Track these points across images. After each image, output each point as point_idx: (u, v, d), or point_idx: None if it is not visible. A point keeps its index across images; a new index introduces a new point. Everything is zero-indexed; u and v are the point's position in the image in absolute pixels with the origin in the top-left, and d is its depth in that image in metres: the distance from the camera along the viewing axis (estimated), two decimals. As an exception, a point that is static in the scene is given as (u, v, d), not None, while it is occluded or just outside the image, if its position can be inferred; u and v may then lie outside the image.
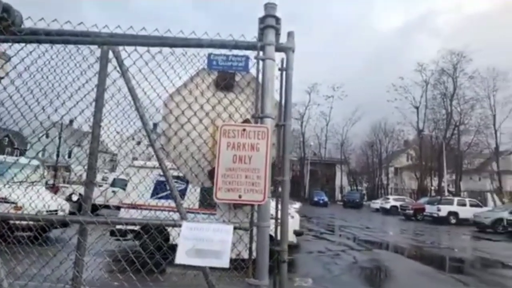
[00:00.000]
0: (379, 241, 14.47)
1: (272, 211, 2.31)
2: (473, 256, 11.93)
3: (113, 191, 17.90)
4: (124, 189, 16.72)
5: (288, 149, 2.39)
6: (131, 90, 2.36)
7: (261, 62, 2.30)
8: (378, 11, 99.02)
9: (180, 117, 2.37)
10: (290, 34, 2.48)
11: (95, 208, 2.47)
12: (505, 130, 43.84)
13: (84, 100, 2.31)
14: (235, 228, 2.10)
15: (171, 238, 7.53)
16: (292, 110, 2.48)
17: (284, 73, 2.44)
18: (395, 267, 9.39)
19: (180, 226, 2.06)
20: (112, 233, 7.96)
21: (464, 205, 25.46)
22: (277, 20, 2.35)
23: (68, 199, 15.83)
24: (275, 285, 2.27)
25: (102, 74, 2.37)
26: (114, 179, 18.17)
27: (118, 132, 2.69)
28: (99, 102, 2.36)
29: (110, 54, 2.47)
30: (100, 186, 19.16)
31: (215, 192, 2.12)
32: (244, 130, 2.19)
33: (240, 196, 2.13)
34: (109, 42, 2.24)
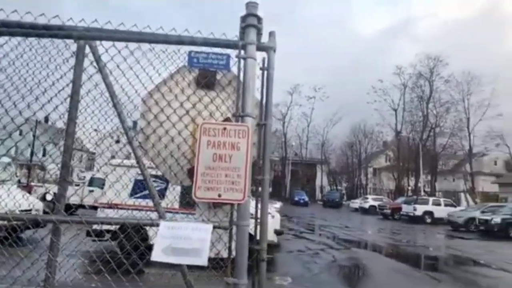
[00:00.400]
0: (357, 240, 14.72)
1: (252, 210, 2.31)
2: (447, 254, 12.31)
3: (90, 191, 17.47)
4: (101, 188, 16.35)
5: (268, 148, 2.39)
6: (108, 86, 2.30)
7: (242, 61, 2.28)
8: (360, 14, 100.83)
9: (159, 115, 2.33)
10: (271, 34, 2.48)
11: (69, 208, 2.39)
12: (478, 133, 45.54)
13: (58, 96, 2.23)
14: (214, 227, 2.08)
15: (149, 238, 7.42)
16: (273, 110, 2.48)
17: (265, 72, 2.43)
18: (372, 265, 9.57)
19: (158, 225, 2.03)
20: (88, 234, 7.76)
21: (439, 204, 26.25)
22: (259, 19, 2.35)
23: (42, 198, 15.33)
24: (254, 284, 2.26)
25: (78, 69, 2.30)
26: (91, 178, 17.72)
27: (95, 130, 2.62)
28: (74, 98, 2.28)
29: (87, 49, 2.40)
30: (77, 185, 18.65)
31: (194, 191, 2.09)
32: (224, 128, 2.17)
33: (219, 195, 2.11)
34: (86, 36, 2.18)
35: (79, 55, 2.31)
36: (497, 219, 18.09)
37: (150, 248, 2.25)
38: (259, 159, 2.37)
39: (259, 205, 2.33)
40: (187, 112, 2.37)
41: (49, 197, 15.64)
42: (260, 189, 2.37)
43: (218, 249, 2.22)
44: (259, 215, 2.31)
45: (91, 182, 18.16)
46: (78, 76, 2.29)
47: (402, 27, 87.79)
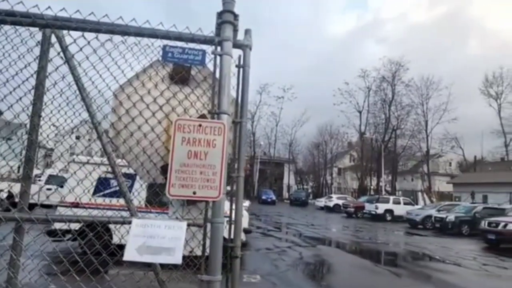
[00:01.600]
0: (323, 238, 15.08)
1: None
2: (406, 250, 12.90)
3: (48, 189, 16.62)
4: (60, 187, 15.57)
5: (243, 146, 2.39)
6: (76, 78, 2.20)
7: (218, 57, 2.27)
8: (328, 15, 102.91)
9: (131, 110, 2.25)
10: (247, 32, 2.48)
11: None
12: (435, 135, 48.22)
13: (22, 87, 2.10)
14: (188, 225, 2.05)
15: (114, 237, 7.19)
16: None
17: (241, 70, 2.43)
18: (337, 262, 9.85)
19: (129, 223, 1.97)
20: (49, 233, 7.38)
21: (399, 203, 27.44)
22: (235, 16, 2.33)
23: (-4, 197, 14.37)
24: (227, 281, 2.25)
25: (43, 60, 2.18)
26: (50, 176, 16.83)
27: (54, 125, 2.48)
28: (39, 89, 2.16)
29: (53, 39, 2.27)
30: (33, 183, 17.67)
31: (168, 188, 2.05)
32: (200, 125, 2.15)
33: (194, 193, 2.08)
34: (53, 25, 2.06)
35: (44, 45, 2.19)
36: (451, 217, 19.21)
37: (119, 247, 2.19)
38: (234, 157, 2.37)
39: (233, 203, 2.32)
40: (161, 107, 2.32)
41: (4, 195, 14.68)
42: (234, 187, 2.36)
43: (191, 246, 2.18)
44: (233, 213, 2.31)
45: (49, 181, 17.28)
46: (43, 67, 2.17)
47: (369, 29, 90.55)
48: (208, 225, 2.12)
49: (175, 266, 1.94)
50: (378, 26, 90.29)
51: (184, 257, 2.00)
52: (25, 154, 2.06)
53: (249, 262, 8.78)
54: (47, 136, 2.30)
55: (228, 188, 2.33)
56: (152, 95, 2.30)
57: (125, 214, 2.36)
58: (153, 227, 1.98)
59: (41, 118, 2.14)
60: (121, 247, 2.06)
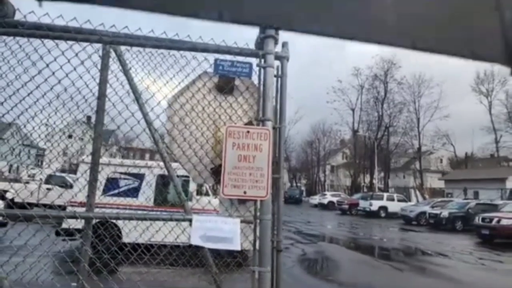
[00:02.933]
0: (321, 235, 15.42)
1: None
2: (402, 246, 13.30)
3: (48, 189, 16.62)
4: (61, 187, 15.59)
5: (283, 149, 2.62)
6: (134, 89, 2.41)
7: (262, 70, 2.50)
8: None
9: (184, 118, 2.48)
10: (284, 45, 2.71)
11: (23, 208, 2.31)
12: (427, 132, 49.07)
13: (87, 98, 2.31)
14: (241, 222, 2.28)
15: (122, 236, 7.38)
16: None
17: (279, 79, 2.66)
18: (338, 258, 10.18)
19: (190, 220, 2.20)
20: (58, 233, 7.53)
21: (393, 200, 27.97)
22: (276, 30, 2.57)
23: (1, 197, 14.36)
24: (272, 271, 2.50)
25: (105, 73, 2.39)
26: (50, 175, 16.79)
27: (46, 124, 2.65)
28: (101, 100, 2.37)
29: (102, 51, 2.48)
30: (27, 183, 17.61)
31: (222, 189, 2.28)
32: (248, 131, 2.38)
33: (245, 192, 2.32)
34: (117, 42, 2.27)
35: (105, 59, 2.40)
36: (445, 213, 19.74)
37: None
38: (275, 160, 2.60)
39: (275, 202, 2.56)
40: (209, 115, 2.54)
41: (9, 195, 14.67)
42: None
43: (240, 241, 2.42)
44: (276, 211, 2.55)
45: (49, 180, 17.26)
46: (105, 79, 2.38)
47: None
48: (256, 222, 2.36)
49: (221, 258, 2.18)
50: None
51: (233, 251, 2.23)
52: (91, 159, 2.27)
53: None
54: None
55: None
56: (201, 104, 2.53)
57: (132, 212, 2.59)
58: (211, 222, 2.22)
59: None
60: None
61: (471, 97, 61.09)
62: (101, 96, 2.35)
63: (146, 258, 2.56)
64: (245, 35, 2.77)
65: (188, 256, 3.02)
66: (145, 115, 2.39)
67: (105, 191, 8.44)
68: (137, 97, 2.39)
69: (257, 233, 2.34)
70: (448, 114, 46.83)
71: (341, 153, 64.84)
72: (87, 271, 2.27)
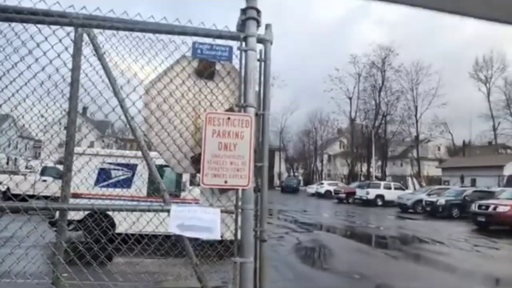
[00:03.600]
0: (317, 223, 15.44)
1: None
2: (398, 234, 13.34)
3: (43, 180, 16.54)
4: (56, 178, 15.51)
5: (267, 137, 2.53)
6: (109, 75, 2.30)
7: (243, 53, 2.38)
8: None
9: (161, 104, 2.37)
10: (268, 27, 2.59)
11: (22, 199, 2.23)
12: (425, 120, 48.96)
13: (59, 84, 2.19)
14: (221, 211, 2.20)
15: (115, 226, 7.33)
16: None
17: (263, 64, 2.55)
18: (334, 246, 10.19)
19: (167, 211, 2.11)
20: (52, 224, 7.47)
21: (390, 188, 28.05)
22: (258, 12, 2.44)
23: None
24: (256, 261, 2.43)
25: (77, 58, 2.27)
26: (45, 167, 16.71)
27: (42, 116, 2.56)
28: (74, 86, 2.26)
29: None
30: (24, 175, 17.55)
31: (201, 178, 2.19)
32: (229, 118, 2.28)
33: (226, 182, 2.23)
34: (89, 25, 2.15)
35: (78, 43, 2.28)
36: (441, 200, 19.78)
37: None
38: (258, 148, 2.51)
39: (259, 191, 2.48)
40: (188, 102, 2.44)
41: (2, 188, 14.58)
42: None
43: (222, 232, 2.34)
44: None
45: (44, 172, 17.18)
46: (78, 65, 2.26)
47: (361, 12, 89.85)
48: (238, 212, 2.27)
49: (203, 249, 2.11)
50: (369, 10, 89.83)
51: (213, 242, 2.16)
52: (65, 148, 2.17)
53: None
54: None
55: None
56: (180, 90, 2.42)
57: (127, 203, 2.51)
58: (191, 212, 2.13)
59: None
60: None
61: (469, 85, 60.77)
62: (74, 82, 2.24)
63: (137, 249, 2.49)
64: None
65: (180, 247, 2.94)
66: (120, 102, 2.29)
67: (97, 182, 8.36)
68: (112, 83, 2.28)
69: (239, 223, 2.27)
70: (446, 102, 46.72)
71: (338, 142, 64.85)
72: (62, 263, 2.19)
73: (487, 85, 48.16)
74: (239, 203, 2.28)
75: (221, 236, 2.40)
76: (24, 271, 2.51)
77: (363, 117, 50.64)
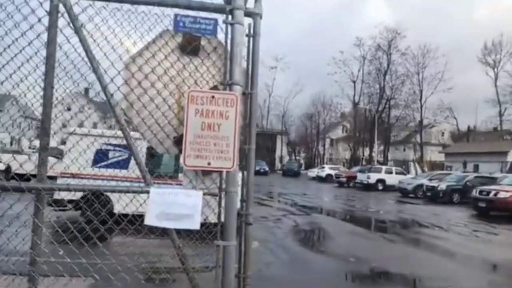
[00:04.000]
0: (316, 206, 15.46)
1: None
2: (398, 218, 13.34)
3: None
4: (57, 158, 15.55)
5: (254, 118, 2.42)
6: (86, 49, 2.17)
7: (229, 27, 2.24)
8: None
9: (143, 81, 2.25)
10: (257, 0, 2.44)
11: (22, 178, 2.19)
12: (430, 105, 48.39)
13: (34, 59, 2.07)
14: (204, 194, 2.11)
15: (113, 206, 7.33)
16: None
17: (251, 39, 2.41)
18: (331, 229, 10.19)
19: (147, 192, 2.03)
20: (49, 204, 7.48)
21: (391, 173, 27.96)
22: (246, -16, 2.29)
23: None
24: (240, 245, 2.36)
25: (53, 30, 2.14)
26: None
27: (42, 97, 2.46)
28: (49, 61, 2.14)
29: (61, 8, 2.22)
30: (28, 155, 17.62)
31: (183, 159, 2.09)
32: (213, 97, 2.16)
33: (209, 163, 2.13)
34: (62, -7, 2.01)
35: (53, 15, 2.14)
36: (442, 185, 19.70)
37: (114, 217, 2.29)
38: (245, 129, 2.40)
39: (245, 173, 2.39)
40: (172, 79, 2.32)
41: (2, 167, 14.64)
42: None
43: (206, 214, 2.26)
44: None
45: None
46: (53, 38, 2.13)
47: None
48: (222, 194, 2.19)
49: (189, 233, 2.03)
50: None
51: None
52: (40, 126, 2.08)
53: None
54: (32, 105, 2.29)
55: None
56: (162, 66, 2.29)
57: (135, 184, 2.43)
58: (171, 195, 2.04)
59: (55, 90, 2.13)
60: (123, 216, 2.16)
61: (477, 69, 59.91)
62: (50, 57, 2.12)
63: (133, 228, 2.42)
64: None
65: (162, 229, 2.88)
66: (99, 78, 2.17)
67: (94, 163, 8.33)
68: (90, 58, 2.15)
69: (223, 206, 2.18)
70: (452, 86, 46.05)
71: (341, 126, 64.48)
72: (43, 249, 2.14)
73: (495, 69, 47.33)
74: (223, 186, 2.20)
75: (205, 219, 2.33)
76: (16, 250, 2.47)
77: (366, 101, 50.15)
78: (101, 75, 2.19)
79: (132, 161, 8.62)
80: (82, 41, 2.18)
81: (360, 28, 68.96)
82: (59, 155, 16.63)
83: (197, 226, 1.98)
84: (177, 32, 2.24)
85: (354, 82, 51.64)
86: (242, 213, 2.34)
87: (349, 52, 50.42)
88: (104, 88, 2.17)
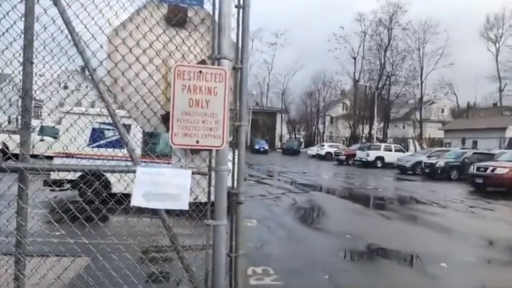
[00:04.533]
0: (315, 184, 15.54)
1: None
2: (395, 195, 13.43)
3: (41, 140, 16.54)
4: (54, 138, 15.50)
5: (245, 94, 2.33)
6: (66, 22, 2.06)
7: (217, -3, 2.12)
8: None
9: (127, 56, 2.15)
10: (247, -32, 2.30)
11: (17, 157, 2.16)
12: (430, 81, 48.04)
13: (10, 32, 1.96)
14: (193, 173, 2.06)
15: (111, 185, 7.32)
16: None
17: (241, 10, 2.29)
18: (329, 206, 10.26)
19: (134, 172, 1.97)
20: (46, 184, 7.46)
21: (390, 150, 28.01)
22: (235, -51, 2.15)
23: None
24: (232, 224, 2.33)
25: (30, 2, 2.02)
26: (42, 127, 16.66)
27: (41, 75, 2.37)
28: (28, 34, 2.02)
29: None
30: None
31: (171, 137, 2.02)
32: (200, 72, 2.06)
33: (197, 142, 2.06)
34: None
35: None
36: (441, 162, 19.74)
37: (113, 196, 2.24)
38: (235, 105, 2.32)
39: (235, 152, 2.32)
40: (158, 53, 2.21)
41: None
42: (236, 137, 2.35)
43: (196, 194, 2.21)
44: (236, 161, 2.31)
45: (41, 131, 17.16)
46: (31, 10, 2.01)
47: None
48: (212, 173, 2.13)
49: (181, 212, 1.99)
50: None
51: (189, 204, 2.04)
52: (21, 104, 1.99)
53: (245, 208, 9.04)
54: (35, 83, 2.21)
55: (230, 138, 2.32)
56: (148, 40, 2.18)
57: (123, 163, 2.37)
58: (158, 175, 1.98)
59: (35, 65, 2.03)
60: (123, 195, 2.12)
61: (478, 45, 58.87)
62: (28, 30, 2.01)
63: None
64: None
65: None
66: (81, 53, 2.06)
67: (90, 142, 8.27)
68: (71, 30, 2.04)
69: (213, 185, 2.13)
70: (452, 62, 45.53)
71: (341, 104, 64.15)
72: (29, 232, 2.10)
73: (497, 44, 46.68)
74: (213, 164, 2.14)
75: (195, 199, 2.28)
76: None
77: (367, 78, 49.65)
78: (82, 49, 2.08)
79: (128, 140, 8.54)
80: (62, 13, 2.06)
81: (362, 2, 67.23)
82: (56, 134, 16.62)
83: (185, 206, 1.94)
84: (161, 3, 2.12)
85: (354, 58, 51.01)
86: (233, 191, 2.29)
87: (350, 28, 49.56)
88: (86, 63, 2.06)
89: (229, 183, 2.29)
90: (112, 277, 2.33)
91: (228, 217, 2.25)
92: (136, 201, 1.89)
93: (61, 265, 2.32)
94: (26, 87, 2.01)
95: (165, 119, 2.20)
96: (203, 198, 2.20)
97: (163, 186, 1.94)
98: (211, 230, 2.09)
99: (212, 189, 2.13)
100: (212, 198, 2.13)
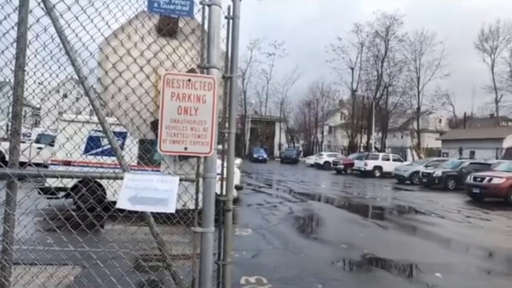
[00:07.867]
0: (312, 193, 15.52)
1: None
2: (393, 205, 13.41)
3: (38, 148, 16.54)
4: (51, 146, 15.51)
5: (234, 102, 2.36)
6: (59, 31, 2.10)
7: (206, 8, 2.17)
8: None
9: (118, 64, 2.18)
10: (237, -20, 2.36)
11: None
12: (427, 92, 48.35)
13: (3, 40, 2.00)
14: (181, 180, 2.08)
15: (108, 194, 7.32)
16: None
17: (230, 21, 2.34)
18: (326, 216, 10.24)
19: (121, 178, 1.99)
20: (43, 191, 7.44)
21: (388, 160, 28.05)
22: (224, -37, 2.21)
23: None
24: (220, 232, 2.34)
25: (23, 10, 2.06)
26: (39, 135, 16.67)
27: (40, 83, 2.41)
28: (21, 42, 2.06)
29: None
30: (22, 142, 17.58)
31: (159, 144, 2.05)
32: (189, 80, 2.10)
33: (186, 148, 2.09)
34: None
35: (23, -6, 2.06)
36: (438, 172, 19.78)
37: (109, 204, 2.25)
38: (225, 114, 2.35)
39: (225, 157, 2.35)
40: (148, 61, 2.25)
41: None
42: (225, 145, 2.37)
43: (184, 200, 2.23)
44: (225, 167, 2.34)
45: (39, 139, 17.17)
46: (24, 18, 2.06)
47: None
48: (200, 180, 2.15)
49: (168, 219, 2.00)
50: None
51: (177, 211, 2.05)
52: (12, 110, 2.02)
53: (241, 217, 9.07)
54: (33, 91, 2.24)
55: (220, 146, 2.35)
56: (139, 49, 2.22)
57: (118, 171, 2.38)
58: (146, 181, 2.01)
59: (26, 73, 2.06)
60: (115, 203, 2.13)
61: (474, 56, 59.46)
62: (20, 38, 2.05)
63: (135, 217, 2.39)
64: None
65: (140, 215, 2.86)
66: (73, 61, 2.10)
67: (86, 150, 8.27)
68: (63, 40, 2.08)
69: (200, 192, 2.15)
70: (449, 73, 45.92)
71: (339, 113, 64.35)
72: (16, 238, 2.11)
73: (492, 56, 47.04)
74: (201, 171, 2.16)
75: (183, 205, 2.30)
76: (17, 239, 2.45)
77: (364, 88, 49.93)
78: (75, 58, 2.12)
79: (125, 148, 8.55)
80: (55, 22, 2.10)
81: (359, 15, 68.11)
82: (54, 142, 16.63)
83: (172, 210, 1.95)
84: (151, 13, 2.17)
85: (352, 69, 51.37)
86: (221, 199, 2.31)
87: (347, 39, 50.07)
88: (78, 71, 2.10)
89: (218, 190, 2.31)
90: (99, 286, 2.33)
91: (217, 225, 2.26)
92: (122, 203, 1.91)
93: (48, 273, 2.32)
94: (17, 94, 2.04)
95: (155, 126, 2.23)
96: (191, 205, 2.22)
97: (150, 191, 1.96)
98: (199, 238, 2.11)
99: (200, 196, 2.14)
100: (200, 205, 2.15)
